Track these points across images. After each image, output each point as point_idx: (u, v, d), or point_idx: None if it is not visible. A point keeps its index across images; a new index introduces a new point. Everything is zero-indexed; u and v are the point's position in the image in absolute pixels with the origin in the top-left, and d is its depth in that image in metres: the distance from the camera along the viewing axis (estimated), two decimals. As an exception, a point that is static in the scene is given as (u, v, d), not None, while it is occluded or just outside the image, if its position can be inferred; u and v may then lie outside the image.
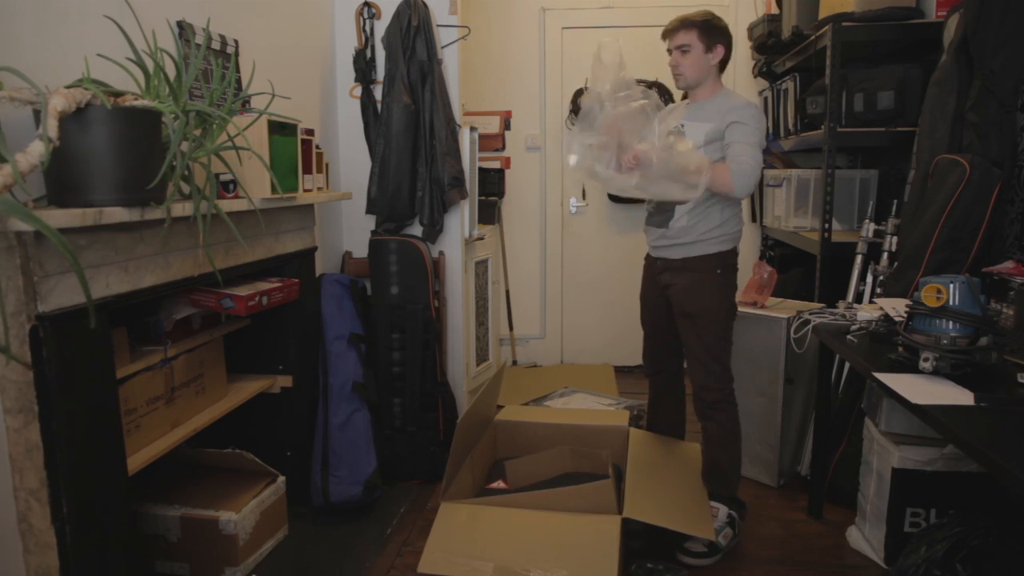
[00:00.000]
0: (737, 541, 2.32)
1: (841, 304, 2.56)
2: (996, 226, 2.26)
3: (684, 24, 2.26)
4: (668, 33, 2.31)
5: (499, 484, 2.52)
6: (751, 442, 2.80)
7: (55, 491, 1.42)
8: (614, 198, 4.30)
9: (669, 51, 2.32)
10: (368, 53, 2.95)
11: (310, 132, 2.28)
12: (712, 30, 2.23)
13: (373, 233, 2.92)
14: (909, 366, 1.75)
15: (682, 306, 2.31)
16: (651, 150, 2.06)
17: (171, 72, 1.59)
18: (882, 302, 2.22)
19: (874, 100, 2.85)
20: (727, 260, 2.34)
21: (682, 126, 2.23)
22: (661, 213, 2.36)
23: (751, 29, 3.84)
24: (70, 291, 1.41)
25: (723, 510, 2.30)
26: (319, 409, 2.58)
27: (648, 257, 2.51)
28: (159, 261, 1.66)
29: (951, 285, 1.72)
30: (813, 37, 3.01)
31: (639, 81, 4.36)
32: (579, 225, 4.42)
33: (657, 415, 2.66)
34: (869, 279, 2.72)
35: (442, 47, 2.91)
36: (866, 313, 2.26)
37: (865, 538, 2.28)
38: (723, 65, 2.29)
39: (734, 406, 2.34)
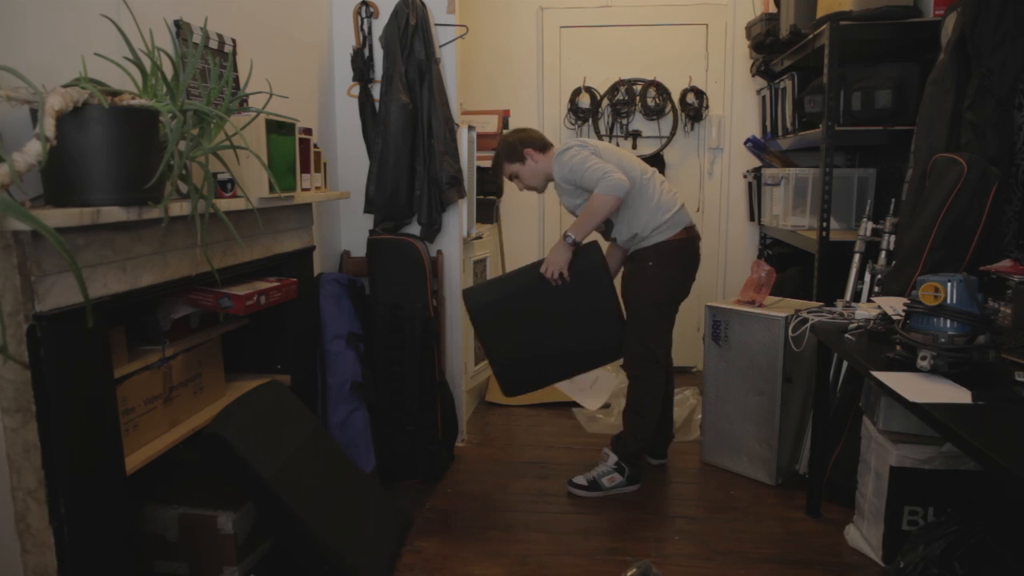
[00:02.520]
0: (627, 492, 2.72)
1: (839, 303, 2.57)
2: (993, 224, 2.26)
3: (496, 166, 2.77)
4: (495, 176, 2.87)
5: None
6: (750, 440, 2.81)
7: (53, 491, 1.42)
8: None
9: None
10: (366, 52, 2.95)
11: (308, 131, 2.27)
12: (509, 153, 2.69)
13: (371, 232, 2.92)
14: (907, 364, 1.76)
15: (622, 291, 2.71)
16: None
17: (168, 71, 1.59)
18: (880, 301, 2.23)
19: (872, 99, 2.85)
20: (664, 250, 2.61)
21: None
22: (608, 229, 2.73)
23: (749, 28, 3.84)
24: (68, 291, 1.41)
25: (612, 456, 2.73)
26: (317, 408, 2.57)
27: None
28: (157, 260, 1.66)
29: (949, 284, 1.73)
30: (811, 36, 3.01)
31: (637, 81, 4.38)
32: (577, 224, 4.42)
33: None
34: (867, 278, 2.72)
35: (440, 46, 2.91)
36: (864, 312, 2.27)
37: (863, 536, 2.28)
38: (544, 148, 2.70)
39: (648, 385, 2.67)
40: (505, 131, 2.71)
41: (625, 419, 2.75)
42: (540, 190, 2.78)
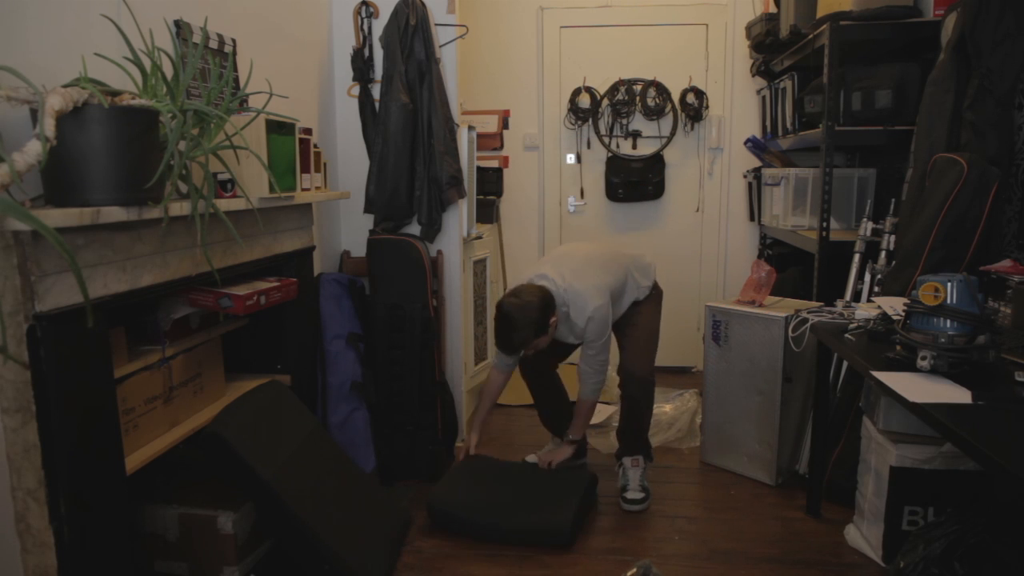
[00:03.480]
0: None
1: (839, 303, 2.57)
2: (993, 224, 2.26)
3: (520, 344, 2.46)
4: (523, 351, 2.57)
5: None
6: (750, 440, 2.81)
7: (53, 491, 1.42)
8: (612, 197, 4.30)
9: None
10: (366, 52, 2.95)
11: (308, 131, 2.27)
12: (538, 329, 2.43)
13: (371, 232, 2.92)
14: (907, 364, 1.76)
15: (631, 318, 2.78)
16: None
17: (168, 71, 1.59)
18: (880, 301, 2.23)
19: (872, 99, 2.85)
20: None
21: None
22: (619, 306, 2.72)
23: (749, 28, 3.84)
24: (68, 291, 1.41)
25: (641, 459, 2.75)
26: (317, 408, 2.57)
27: None
28: (157, 260, 1.66)
29: (949, 283, 1.73)
30: (811, 36, 3.01)
31: (637, 81, 4.38)
32: (577, 224, 4.43)
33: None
34: (867, 278, 2.72)
35: (440, 46, 2.91)
36: (864, 312, 2.27)
37: (863, 536, 2.28)
38: (553, 308, 2.48)
39: (652, 400, 2.77)
40: (506, 303, 2.42)
41: (640, 425, 2.75)
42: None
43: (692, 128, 4.24)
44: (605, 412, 3.51)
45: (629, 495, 2.63)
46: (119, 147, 1.39)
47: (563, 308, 2.53)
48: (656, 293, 2.83)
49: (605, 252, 2.73)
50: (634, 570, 2.13)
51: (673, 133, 4.23)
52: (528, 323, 2.39)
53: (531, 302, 2.41)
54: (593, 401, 2.66)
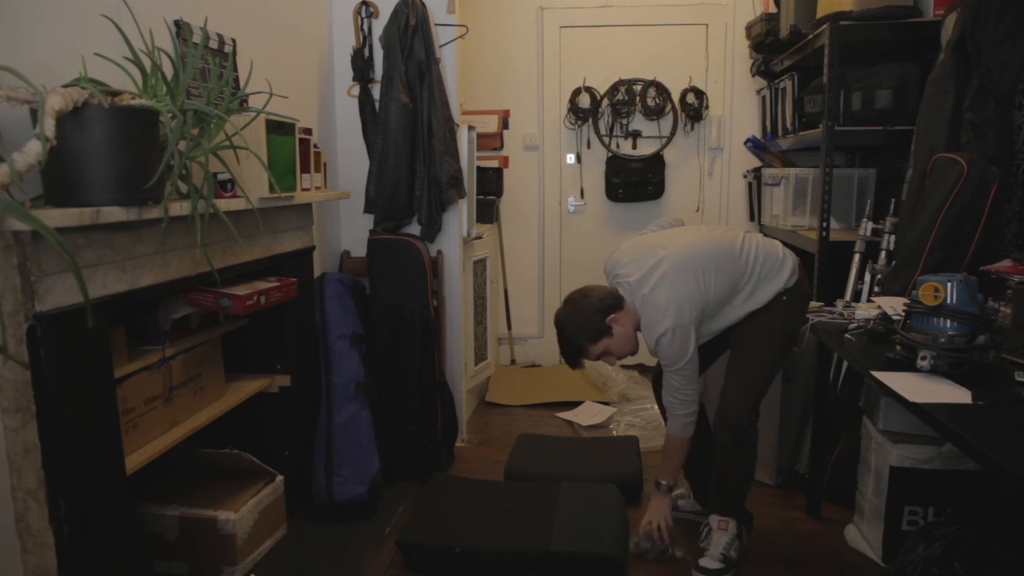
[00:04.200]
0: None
1: (839, 303, 2.56)
2: (994, 224, 2.26)
3: (575, 352, 2.13)
4: (574, 366, 2.22)
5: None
6: (749, 441, 2.81)
7: (53, 491, 1.42)
8: (612, 197, 4.30)
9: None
10: (366, 52, 2.95)
11: (308, 131, 2.27)
12: (592, 330, 2.08)
13: (371, 232, 2.92)
14: (907, 364, 1.76)
15: (733, 339, 2.22)
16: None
17: (168, 71, 1.59)
18: (880, 301, 2.22)
19: (872, 99, 2.85)
20: (794, 289, 2.16)
21: None
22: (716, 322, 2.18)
23: (749, 28, 3.84)
24: (68, 291, 1.41)
25: (732, 523, 2.20)
26: (321, 408, 2.57)
27: None
28: (157, 260, 1.66)
29: (949, 283, 1.72)
30: (811, 36, 3.01)
31: (637, 81, 4.38)
32: (578, 224, 4.43)
33: None
34: (867, 278, 2.72)
35: (440, 46, 2.91)
36: (864, 312, 2.27)
37: (863, 536, 2.28)
38: (618, 303, 2.09)
39: (753, 449, 2.20)
40: (560, 309, 2.14)
41: (728, 484, 2.19)
42: (633, 355, 2.20)
43: (692, 128, 4.24)
44: (605, 413, 3.51)
45: (702, 562, 2.12)
46: (119, 147, 1.39)
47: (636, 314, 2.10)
48: (783, 301, 2.11)
49: (718, 246, 2.09)
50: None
51: (673, 133, 4.23)
52: (577, 326, 2.07)
53: (581, 302, 2.08)
54: (680, 440, 2.15)
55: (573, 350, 2.12)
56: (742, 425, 2.09)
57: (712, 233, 2.17)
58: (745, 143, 4.00)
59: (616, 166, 4.26)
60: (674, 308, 1.99)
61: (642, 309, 2.06)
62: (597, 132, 4.27)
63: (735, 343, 2.18)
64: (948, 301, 1.72)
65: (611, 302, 2.08)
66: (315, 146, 2.35)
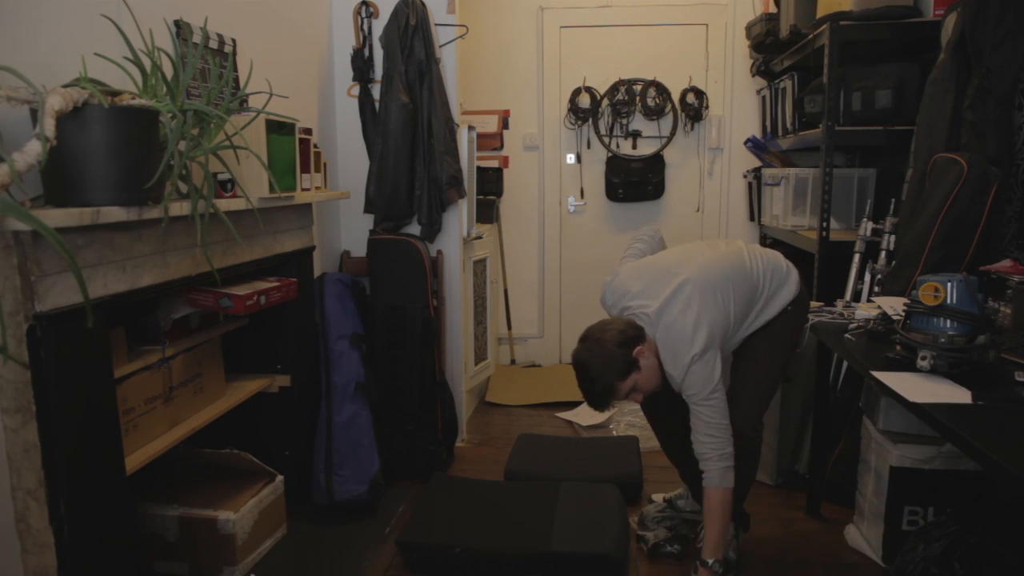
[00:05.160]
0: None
1: (839, 303, 2.56)
2: (993, 224, 2.26)
3: (605, 394, 1.95)
4: (604, 409, 2.05)
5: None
6: (749, 441, 2.81)
7: (53, 491, 1.42)
8: (612, 197, 4.30)
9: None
10: (366, 52, 2.95)
11: (308, 131, 2.27)
12: (619, 366, 1.91)
13: (371, 232, 2.92)
14: (907, 364, 1.76)
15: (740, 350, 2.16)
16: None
17: (168, 71, 1.59)
18: (880, 301, 2.23)
19: (872, 99, 2.85)
20: (799, 300, 2.16)
21: None
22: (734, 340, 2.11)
23: (749, 28, 3.84)
24: (68, 291, 1.41)
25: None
26: (322, 408, 2.57)
27: None
28: (157, 260, 1.66)
29: (949, 283, 1.72)
30: (811, 36, 3.01)
31: (637, 81, 4.37)
32: (577, 224, 4.43)
33: None
34: (867, 278, 2.72)
35: (440, 46, 2.91)
36: (864, 312, 2.27)
37: (863, 536, 2.28)
38: (640, 335, 1.94)
39: (747, 469, 2.13)
40: (576, 351, 1.98)
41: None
42: (666, 388, 2.03)
43: (692, 128, 4.24)
44: (605, 413, 3.50)
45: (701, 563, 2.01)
46: (119, 147, 1.39)
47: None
48: (789, 312, 2.09)
49: (731, 265, 2.03)
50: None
51: (673, 133, 4.23)
52: (602, 365, 1.89)
53: (602, 338, 1.91)
54: (723, 493, 1.91)
55: (602, 390, 1.92)
56: (748, 435, 2.05)
57: (719, 250, 2.10)
58: (745, 143, 4.00)
59: (616, 166, 4.26)
60: (703, 333, 1.89)
61: (665, 339, 1.93)
62: (597, 132, 4.27)
63: (741, 353, 2.13)
64: (948, 301, 1.72)
65: (633, 333, 1.92)
66: (315, 146, 2.35)
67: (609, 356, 1.89)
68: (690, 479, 2.39)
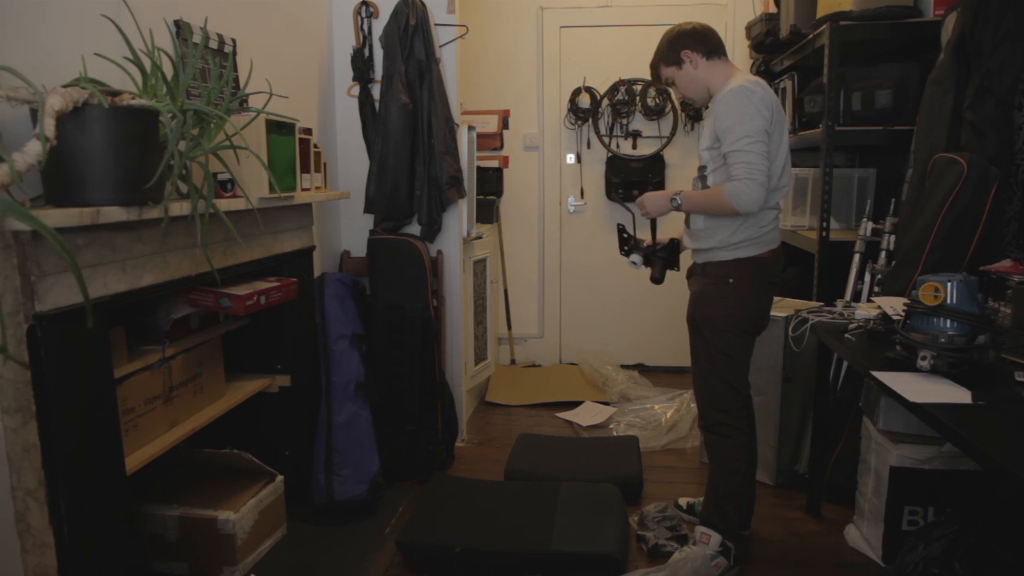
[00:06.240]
0: (735, 573, 2.14)
1: (839, 303, 2.56)
2: (993, 224, 2.26)
3: (653, 71, 2.21)
4: (653, 83, 2.30)
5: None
6: (749, 441, 2.81)
7: (53, 491, 1.42)
8: (613, 197, 4.30)
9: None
10: (366, 52, 2.95)
11: (308, 131, 2.27)
12: (667, 52, 2.14)
13: (371, 232, 2.92)
14: (907, 364, 1.76)
15: (690, 312, 2.18)
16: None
17: (168, 71, 1.59)
18: (880, 301, 2.22)
19: (872, 99, 2.85)
20: (744, 269, 2.08)
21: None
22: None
23: (749, 28, 3.84)
24: (68, 291, 1.41)
25: (716, 537, 2.13)
26: (322, 408, 2.58)
27: None
28: (157, 260, 1.66)
29: (949, 283, 1.73)
30: (811, 36, 3.01)
31: (637, 81, 4.36)
32: (577, 224, 4.43)
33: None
34: (867, 278, 2.72)
35: (440, 46, 2.91)
36: (864, 312, 2.27)
37: (863, 536, 2.28)
38: (711, 53, 2.11)
39: (736, 431, 2.12)
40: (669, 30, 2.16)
41: (713, 482, 2.18)
42: (700, 104, 2.21)
43: (692, 128, 4.24)
44: (606, 413, 3.51)
45: None
46: (119, 147, 1.40)
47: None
48: (731, 273, 2.08)
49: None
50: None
51: (673, 133, 4.23)
52: (662, 41, 2.13)
53: (674, 27, 2.14)
54: (725, 199, 1.96)
55: (653, 63, 2.19)
56: (703, 425, 2.20)
57: None
58: (745, 143, 3.99)
59: (616, 166, 4.26)
60: (751, 87, 1.99)
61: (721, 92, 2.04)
62: (597, 132, 4.27)
63: (691, 337, 2.21)
64: (948, 301, 1.72)
65: (702, 43, 2.09)
66: (315, 146, 2.35)
67: (667, 41, 2.13)
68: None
